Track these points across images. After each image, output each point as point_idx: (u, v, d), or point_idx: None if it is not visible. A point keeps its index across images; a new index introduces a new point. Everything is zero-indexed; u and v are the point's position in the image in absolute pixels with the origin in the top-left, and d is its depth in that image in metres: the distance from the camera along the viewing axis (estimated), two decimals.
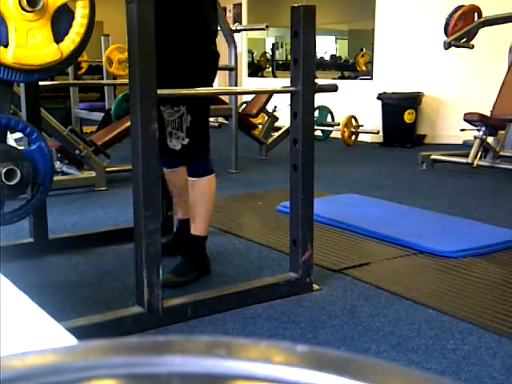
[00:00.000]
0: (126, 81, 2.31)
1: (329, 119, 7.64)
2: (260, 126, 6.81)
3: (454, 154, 5.62)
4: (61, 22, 1.97)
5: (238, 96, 6.83)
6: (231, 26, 5.96)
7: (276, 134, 6.45)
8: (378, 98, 7.25)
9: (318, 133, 7.29)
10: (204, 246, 2.88)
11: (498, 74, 5.90)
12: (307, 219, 2.63)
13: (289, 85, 2.61)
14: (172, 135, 2.74)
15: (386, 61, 7.55)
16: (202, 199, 2.81)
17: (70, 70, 7.68)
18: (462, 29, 5.55)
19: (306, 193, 2.60)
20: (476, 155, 5.28)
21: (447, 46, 5.52)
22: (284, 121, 6.30)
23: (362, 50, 10.95)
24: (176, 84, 2.59)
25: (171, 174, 3.04)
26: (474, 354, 2.11)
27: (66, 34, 1.97)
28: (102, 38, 7.73)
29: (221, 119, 6.89)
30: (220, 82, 9.79)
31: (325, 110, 7.49)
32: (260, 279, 2.73)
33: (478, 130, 5.33)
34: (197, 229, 2.84)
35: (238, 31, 6.24)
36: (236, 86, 6.04)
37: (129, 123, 2.38)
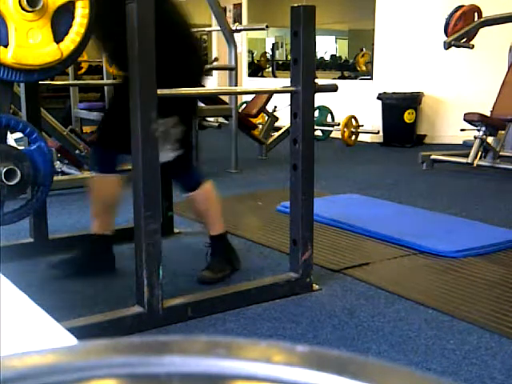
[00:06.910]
0: None
1: (329, 119, 7.64)
2: (260, 126, 6.81)
3: (454, 154, 5.62)
4: (61, 21, 1.96)
5: (238, 96, 6.82)
6: (231, 26, 5.96)
7: (276, 134, 6.44)
8: (378, 98, 7.25)
9: (318, 133, 7.29)
10: (227, 240, 2.93)
11: (498, 74, 5.90)
12: (307, 219, 2.63)
13: (289, 85, 2.61)
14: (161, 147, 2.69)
15: (386, 61, 7.55)
16: (207, 205, 2.86)
17: (70, 70, 7.67)
18: (462, 29, 5.55)
19: (306, 193, 2.60)
20: (476, 155, 5.28)
21: (447, 46, 5.52)
22: (284, 121, 6.30)
23: (362, 49, 10.96)
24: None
25: (103, 180, 2.82)
26: (474, 354, 2.11)
27: (66, 34, 1.97)
28: None
29: (221, 119, 6.89)
30: (220, 82, 9.80)
31: (325, 110, 7.49)
32: (260, 279, 2.73)
33: (478, 130, 5.32)
34: (213, 229, 2.89)
35: (238, 31, 6.24)
36: (236, 85, 6.04)
37: None
